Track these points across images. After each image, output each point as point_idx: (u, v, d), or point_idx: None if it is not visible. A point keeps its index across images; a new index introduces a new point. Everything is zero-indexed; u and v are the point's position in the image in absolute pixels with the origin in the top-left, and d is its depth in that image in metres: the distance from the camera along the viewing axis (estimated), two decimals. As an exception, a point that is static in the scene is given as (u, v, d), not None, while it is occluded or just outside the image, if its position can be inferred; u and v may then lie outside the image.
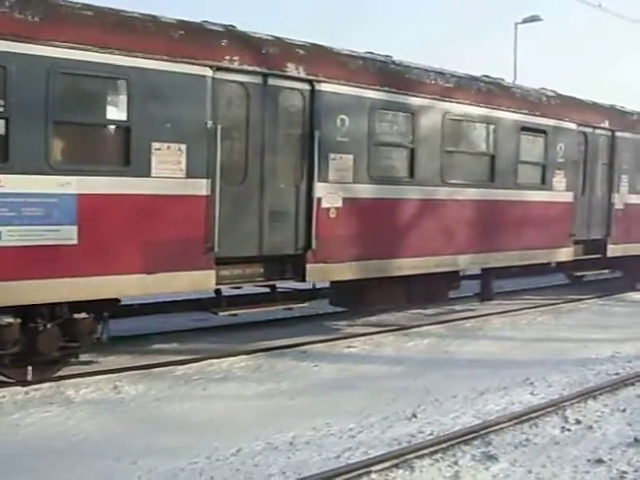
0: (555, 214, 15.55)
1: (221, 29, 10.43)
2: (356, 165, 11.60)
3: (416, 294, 13.29)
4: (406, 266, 12.49)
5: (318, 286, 12.35)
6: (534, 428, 8.24)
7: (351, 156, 11.54)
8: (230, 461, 7.06)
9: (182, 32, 9.87)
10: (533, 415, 8.55)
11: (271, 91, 10.63)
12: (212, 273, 10.02)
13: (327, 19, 62.37)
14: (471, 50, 56.78)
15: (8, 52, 8.27)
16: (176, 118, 9.57)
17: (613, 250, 17.32)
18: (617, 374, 10.62)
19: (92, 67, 8.88)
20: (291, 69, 10.80)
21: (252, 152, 10.44)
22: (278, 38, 11.11)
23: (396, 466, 6.94)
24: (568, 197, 15.91)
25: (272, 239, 10.69)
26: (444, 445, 7.46)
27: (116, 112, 9.27)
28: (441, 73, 13.36)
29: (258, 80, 10.49)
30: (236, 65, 10.20)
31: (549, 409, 8.82)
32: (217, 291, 10.74)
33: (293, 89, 10.90)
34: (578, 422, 8.49)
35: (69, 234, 8.73)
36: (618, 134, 17.29)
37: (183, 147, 9.63)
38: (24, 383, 9.13)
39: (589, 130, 16.51)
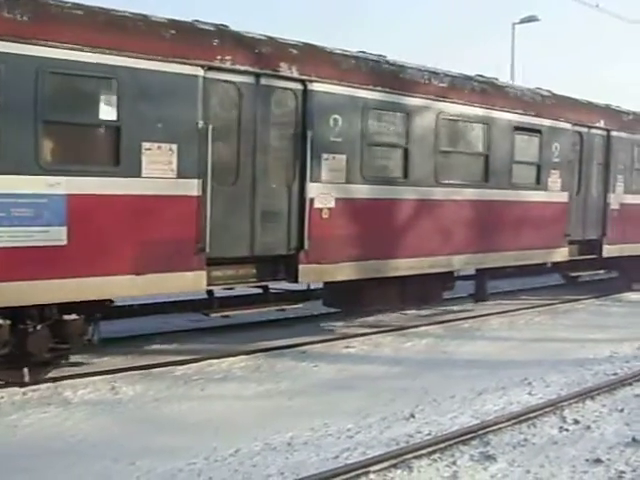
0: (550, 214, 15.49)
1: (213, 28, 10.34)
2: (349, 165, 11.53)
3: (410, 295, 13.24)
4: (400, 267, 12.42)
5: (312, 287, 12.28)
6: (532, 428, 8.22)
7: (344, 156, 11.46)
8: (228, 462, 7.05)
9: (173, 31, 9.79)
10: (531, 415, 8.53)
11: (263, 91, 10.55)
12: (203, 274, 9.94)
13: (322, 18, 62.69)
14: (469, 50, 56.93)
15: (-3, 51, 8.19)
16: (167, 118, 9.49)
17: (609, 250, 17.25)
18: (615, 374, 10.59)
19: (82, 67, 8.81)
20: (284, 69, 10.72)
21: (244, 152, 10.36)
22: (271, 38, 11.03)
23: (394, 466, 6.92)
24: (563, 197, 15.84)
25: (264, 240, 10.62)
26: (442, 445, 7.44)
27: (106, 112, 9.17)
28: (435, 73, 13.29)
29: (250, 80, 10.41)
30: (228, 65, 10.12)
31: (547, 409, 8.79)
32: (209, 292, 10.66)
33: (286, 89, 10.82)
34: (576, 422, 8.46)
35: (58, 235, 8.65)
36: (614, 134, 17.22)
37: (174, 147, 9.55)
38: (22, 384, 9.10)
39: (584, 130, 16.45)
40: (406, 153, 12.45)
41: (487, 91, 14.21)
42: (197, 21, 10.37)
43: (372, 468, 6.79)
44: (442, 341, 12.83)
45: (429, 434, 7.86)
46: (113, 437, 7.70)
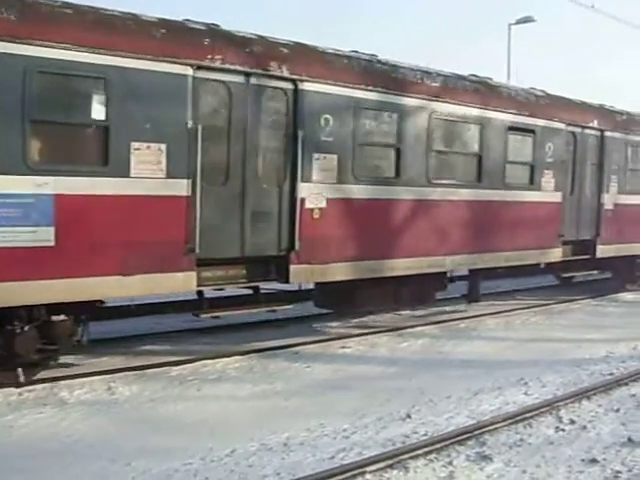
0: (544, 214, 15.43)
1: (203, 28, 10.27)
2: (341, 165, 11.46)
3: (402, 296, 13.19)
4: (392, 267, 12.36)
5: (304, 287, 12.23)
6: (528, 428, 8.20)
7: (335, 156, 11.39)
8: (224, 462, 7.03)
9: (163, 30, 9.72)
10: (527, 415, 8.51)
11: (254, 90, 10.47)
12: (193, 275, 9.87)
13: (318, 17, 63.00)
14: (466, 50, 57.04)
15: (-16, 50, 8.11)
16: (156, 118, 9.42)
17: (602, 251, 17.20)
18: (611, 374, 10.57)
19: (70, 66, 8.74)
20: (274, 68, 10.65)
21: (234, 152, 10.29)
22: (261, 37, 10.96)
23: (390, 467, 6.90)
24: (557, 197, 15.79)
25: (255, 240, 10.54)
26: (438, 445, 7.44)
27: (94, 111, 9.10)
28: (427, 72, 13.21)
29: (240, 79, 10.34)
30: (218, 64, 10.05)
31: (543, 409, 8.78)
32: (199, 293, 10.59)
33: (276, 88, 10.75)
34: (572, 422, 8.45)
35: (46, 235, 8.57)
36: (607, 134, 17.18)
37: (163, 147, 9.47)
38: (17, 384, 9.07)
39: (578, 130, 16.40)
40: (398, 153, 12.38)
41: (480, 91, 14.15)
42: (187, 20, 10.31)
43: (368, 468, 6.77)
44: (438, 341, 12.79)
45: (425, 434, 7.84)
46: (109, 437, 7.69)
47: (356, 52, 12.37)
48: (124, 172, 9.15)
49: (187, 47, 9.81)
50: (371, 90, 11.88)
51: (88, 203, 8.88)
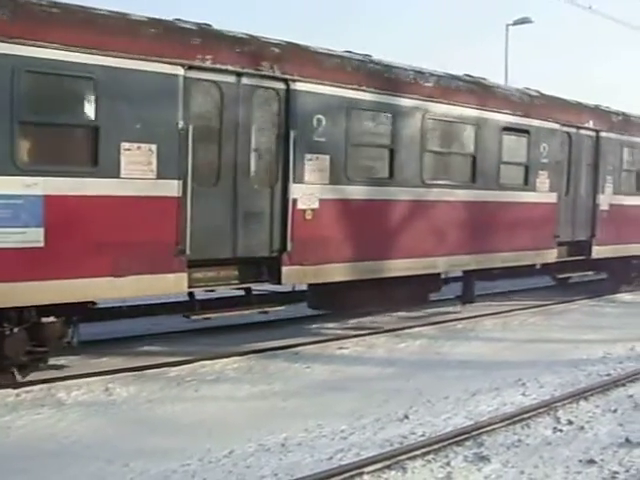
0: (539, 215, 15.36)
1: (193, 27, 10.19)
2: (333, 166, 11.37)
3: (396, 297, 13.12)
4: (385, 268, 12.28)
5: (297, 288, 12.15)
6: (526, 429, 8.20)
7: (328, 157, 11.31)
8: (222, 463, 7.03)
9: (153, 30, 9.65)
10: (525, 416, 8.51)
11: (245, 90, 10.39)
12: (184, 276, 9.77)
13: (315, 17, 63.10)
14: (463, 51, 57.31)
15: (-29, 50, 8.04)
16: (147, 118, 9.34)
17: (598, 251, 17.14)
18: (608, 375, 10.57)
19: (59, 65, 8.65)
20: (266, 68, 10.56)
21: (225, 153, 10.20)
22: (253, 36, 10.88)
23: (388, 467, 6.89)
24: (552, 198, 15.73)
25: (246, 241, 10.45)
26: (436, 446, 7.44)
27: (84, 112, 9.03)
28: (421, 72, 13.15)
29: (232, 79, 10.25)
30: (209, 64, 9.96)
31: (541, 410, 8.78)
32: (190, 294, 10.52)
33: (268, 88, 10.66)
34: (570, 423, 8.45)
35: (36, 236, 8.48)
36: (603, 134, 17.14)
37: (154, 147, 9.39)
38: (15, 385, 9.04)
39: (573, 130, 16.34)
40: (392, 154, 12.30)
41: (475, 91, 14.09)
42: (178, 20, 10.25)
43: (366, 469, 6.77)
44: (436, 342, 12.77)
45: (423, 435, 7.84)
46: (107, 438, 7.67)
47: (349, 52, 12.30)
48: (114, 173, 9.06)
49: (178, 47, 9.72)
50: (364, 90, 11.80)
51: (78, 204, 8.79)
